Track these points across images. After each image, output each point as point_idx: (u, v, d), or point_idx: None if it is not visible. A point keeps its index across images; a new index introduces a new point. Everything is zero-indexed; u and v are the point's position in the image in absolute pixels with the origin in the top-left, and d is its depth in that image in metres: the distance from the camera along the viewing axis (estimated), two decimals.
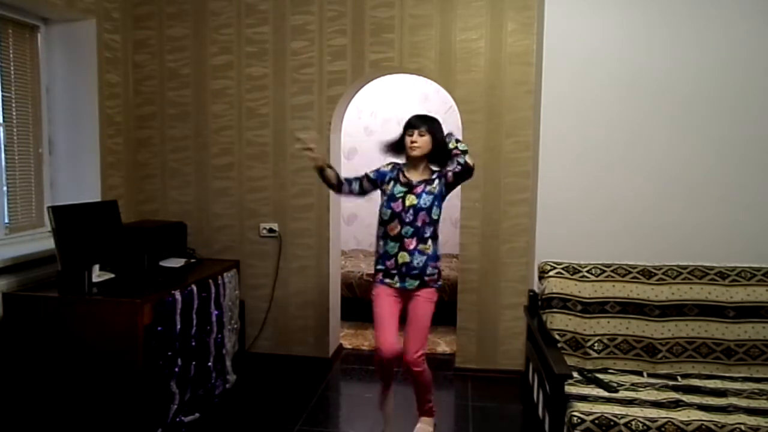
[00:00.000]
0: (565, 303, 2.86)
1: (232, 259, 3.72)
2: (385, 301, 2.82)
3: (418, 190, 2.78)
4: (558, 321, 2.84)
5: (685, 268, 2.91)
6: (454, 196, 5.54)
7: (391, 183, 2.81)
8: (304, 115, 3.69)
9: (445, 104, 5.39)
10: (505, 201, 3.57)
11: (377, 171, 2.85)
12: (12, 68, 3.13)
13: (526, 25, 3.46)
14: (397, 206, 2.76)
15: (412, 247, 2.79)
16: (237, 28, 3.71)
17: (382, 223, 2.80)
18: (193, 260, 3.41)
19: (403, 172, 2.82)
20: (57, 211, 2.68)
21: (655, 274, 2.89)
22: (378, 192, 2.86)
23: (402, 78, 5.09)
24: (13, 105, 3.15)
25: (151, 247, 3.20)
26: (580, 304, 2.85)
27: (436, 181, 2.80)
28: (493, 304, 3.63)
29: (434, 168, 2.83)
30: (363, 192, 2.86)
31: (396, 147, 2.85)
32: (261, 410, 3.18)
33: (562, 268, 2.94)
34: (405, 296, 2.84)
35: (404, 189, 2.78)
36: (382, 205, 2.80)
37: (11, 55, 3.12)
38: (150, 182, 3.88)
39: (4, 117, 3.09)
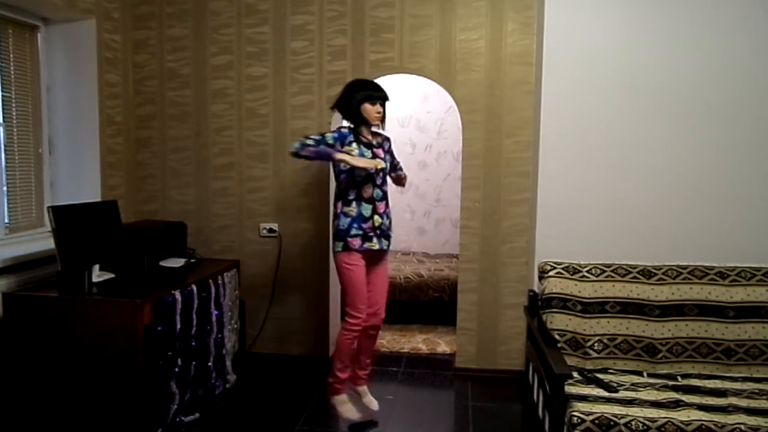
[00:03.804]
0: (565, 303, 2.86)
1: (232, 259, 3.72)
2: (361, 271, 2.85)
3: (380, 153, 2.89)
4: (558, 321, 2.84)
5: (685, 268, 2.91)
6: (454, 196, 5.55)
7: (354, 145, 2.83)
8: (304, 115, 3.69)
9: (445, 104, 5.41)
10: (505, 201, 3.57)
11: (338, 132, 2.84)
12: (12, 68, 3.13)
13: (526, 25, 3.46)
14: (370, 168, 2.79)
15: (381, 210, 2.90)
16: (237, 28, 3.71)
17: (354, 185, 2.81)
18: (193, 260, 3.41)
19: (358, 134, 2.86)
20: (57, 211, 2.68)
21: (655, 274, 2.89)
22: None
23: (402, 78, 5.09)
24: (13, 105, 3.15)
25: (151, 247, 3.20)
26: (580, 304, 2.85)
27: (387, 148, 2.98)
28: (493, 304, 3.63)
29: (376, 131, 2.95)
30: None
31: (354, 114, 2.86)
32: (261, 410, 3.18)
33: (562, 268, 2.94)
34: (369, 260, 2.90)
35: (368, 150, 2.84)
36: (350, 168, 2.77)
37: (11, 55, 3.12)
38: (150, 182, 3.88)
39: (4, 117, 3.09)
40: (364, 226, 2.83)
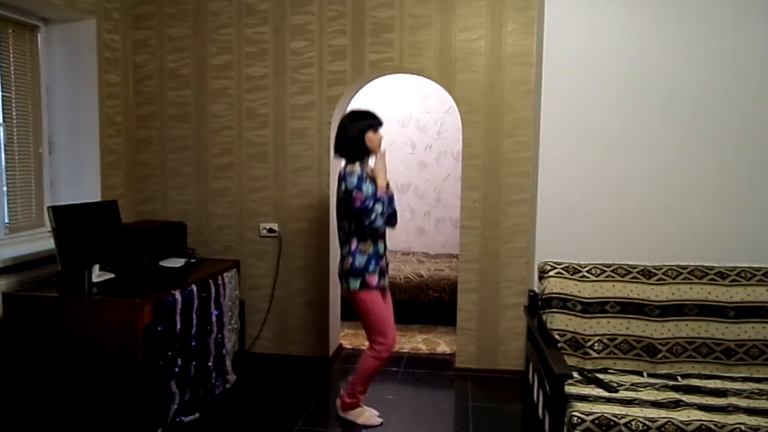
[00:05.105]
0: (565, 303, 2.85)
1: (232, 259, 3.72)
2: (381, 300, 2.88)
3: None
4: (558, 321, 2.84)
5: (685, 268, 2.91)
6: (454, 196, 5.54)
7: (368, 183, 2.76)
8: (304, 115, 3.69)
9: (445, 104, 5.41)
10: (505, 201, 3.57)
11: (361, 179, 2.73)
12: (12, 68, 3.13)
13: (526, 25, 3.46)
14: (386, 205, 2.80)
15: (386, 244, 2.93)
16: (237, 28, 3.71)
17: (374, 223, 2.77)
18: (193, 260, 3.41)
19: (363, 167, 2.80)
20: (57, 211, 2.68)
21: (655, 274, 2.89)
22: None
23: (402, 78, 5.09)
24: (13, 105, 3.15)
25: (151, 247, 3.20)
26: (580, 304, 2.85)
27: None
28: (493, 304, 3.63)
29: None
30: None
31: (357, 146, 2.79)
32: (261, 410, 3.18)
33: (562, 268, 2.94)
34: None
35: (373, 185, 2.79)
36: (371, 206, 2.70)
37: (11, 55, 3.12)
38: (150, 182, 3.88)
39: (4, 117, 3.09)
40: (381, 263, 2.84)
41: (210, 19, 3.72)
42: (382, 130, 2.88)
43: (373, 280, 2.80)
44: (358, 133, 2.79)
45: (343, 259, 2.87)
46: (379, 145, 2.82)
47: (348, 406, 3.01)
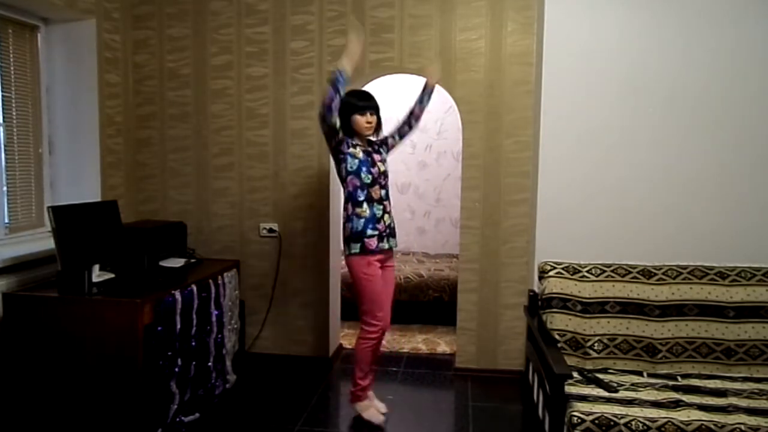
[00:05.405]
0: (565, 303, 2.85)
1: (232, 259, 3.72)
2: (379, 279, 2.90)
3: (377, 158, 2.93)
4: (558, 321, 2.84)
5: (685, 268, 2.91)
6: (454, 197, 5.54)
7: (357, 149, 2.87)
8: (304, 115, 3.69)
9: (445, 104, 5.40)
10: (505, 201, 3.57)
11: (344, 144, 2.86)
12: (12, 68, 3.13)
13: (526, 25, 3.46)
14: (375, 171, 2.86)
15: (389, 209, 2.96)
16: (237, 28, 3.71)
17: (364, 186, 2.84)
18: (193, 260, 3.41)
19: (354, 141, 2.89)
20: (57, 211, 2.68)
21: (655, 274, 2.89)
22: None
23: (402, 78, 5.08)
24: (13, 105, 3.15)
25: (151, 247, 3.20)
26: (580, 304, 2.85)
27: (382, 148, 3.01)
28: (493, 304, 3.63)
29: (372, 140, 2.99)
30: (332, 123, 2.77)
31: (344, 124, 2.85)
32: (261, 410, 3.18)
33: (562, 268, 2.94)
34: (382, 264, 2.94)
35: (369, 156, 2.88)
36: (356, 170, 2.83)
37: (11, 55, 3.12)
38: (150, 182, 3.88)
39: (4, 117, 3.09)
40: (378, 226, 2.86)
41: (210, 19, 3.72)
42: (387, 130, 3.01)
43: (372, 243, 2.84)
44: (345, 112, 2.85)
45: (343, 226, 2.94)
46: (367, 129, 2.88)
47: (355, 398, 3.04)
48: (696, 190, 3.14)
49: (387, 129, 3.11)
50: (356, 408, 3.04)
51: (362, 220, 2.84)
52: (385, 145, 3.06)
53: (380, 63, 3.61)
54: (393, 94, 5.66)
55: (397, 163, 5.64)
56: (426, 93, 3.09)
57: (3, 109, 3.08)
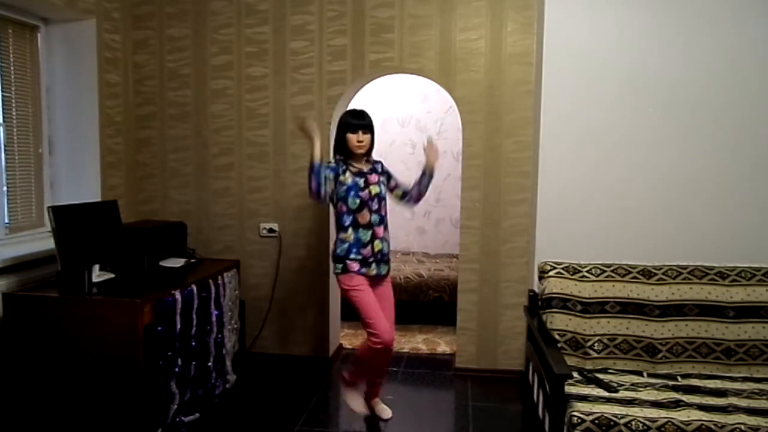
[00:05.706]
0: (565, 303, 2.86)
1: (232, 259, 3.72)
2: (368, 291, 2.87)
3: (373, 179, 2.91)
4: (558, 321, 2.84)
5: (685, 268, 2.92)
6: (454, 196, 5.54)
7: (347, 174, 2.87)
8: (304, 116, 3.69)
9: (445, 104, 5.41)
10: (505, 201, 3.57)
11: (329, 168, 2.86)
12: (12, 68, 3.13)
13: (526, 25, 3.46)
14: (365, 195, 2.84)
15: (381, 234, 2.91)
16: (237, 28, 3.71)
17: (350, 212, 2.84)
18: (193, 260, 3.41)
19: (348, 164, 2.89)
20: (57, 211, 2.68)
21: (655, 274, 2.89)
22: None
23: (402, 78, 5.09)
24: (13, 105, 3.15)
25: (151, 247, 3.20)
26: (580, 304, 2.85)
27: (380, 170, 2.97)
28: (493, 304, 3.63)
29: (368, 159, 2.98)
30: (327, 196, 2.83)
31: (337, 146, 2.93)
32: (261, 410, 3.18)
33: (562, 268, 2.94)
34: (372, 284, 2.91)
35: (362, 179, 2.87)
36: (344, 195, 2.84)
37: (11, 55, 3.12)
38: (150, 182, 3.88)
39: (4, 117, 3.09)
40: (363, 251, 2.84)
41: (210, 19, 3.72)
42: (387, 130, 2.95)
43: (354, 265, 2.84)
44: (339, 131, 2.91)
45: (333, 245, 2.98)
46: (358, 147, 2.87)
47: (345, 382, 3.07)
48: (696, 190, 3.14)
49: (386, 128, 3.09)
50: (345, 394, 3.07)
51: (346, 245, 2.85)
52: (386, 174, 3.00)
53: (380, 63, 3.61)
54: (393, 94, 5.68)
55: (397, 163, 5.63)
56: (425, 176, 2.98)
57: (3, 109, 3.08)
